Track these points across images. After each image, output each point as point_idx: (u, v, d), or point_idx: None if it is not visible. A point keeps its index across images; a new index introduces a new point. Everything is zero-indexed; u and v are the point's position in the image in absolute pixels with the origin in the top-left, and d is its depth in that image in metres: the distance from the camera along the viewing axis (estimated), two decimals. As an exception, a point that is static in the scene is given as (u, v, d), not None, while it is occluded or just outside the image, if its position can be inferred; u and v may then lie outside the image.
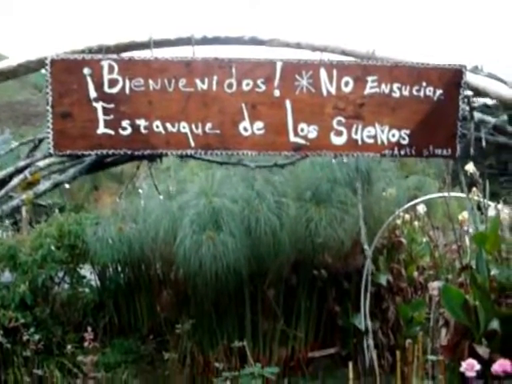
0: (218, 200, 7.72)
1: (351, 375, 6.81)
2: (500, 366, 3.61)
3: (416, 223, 11.53)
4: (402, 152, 5.63)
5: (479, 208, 7.25)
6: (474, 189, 7.08)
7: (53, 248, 9.53)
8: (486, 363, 5.10)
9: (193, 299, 9.14)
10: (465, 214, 7.65)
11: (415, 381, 4.15)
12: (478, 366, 3.75)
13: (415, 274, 10.08)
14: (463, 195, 8.47)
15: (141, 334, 10.29)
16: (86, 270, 10.68)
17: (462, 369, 3.81)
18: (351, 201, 8.15)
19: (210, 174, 8.27)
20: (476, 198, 6.86)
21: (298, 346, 9.31)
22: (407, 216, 11.43)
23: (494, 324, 5.70)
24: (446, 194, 7.76)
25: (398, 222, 10.15)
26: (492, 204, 7.07)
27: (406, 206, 9.52)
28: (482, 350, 5.43)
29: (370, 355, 8.61)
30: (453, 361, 6.06)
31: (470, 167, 6.75)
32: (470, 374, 3.70)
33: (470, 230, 7.24)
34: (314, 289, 9.56)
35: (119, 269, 10.69)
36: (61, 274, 10.25)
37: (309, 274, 9.44)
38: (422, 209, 10.30)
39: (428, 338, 8.97)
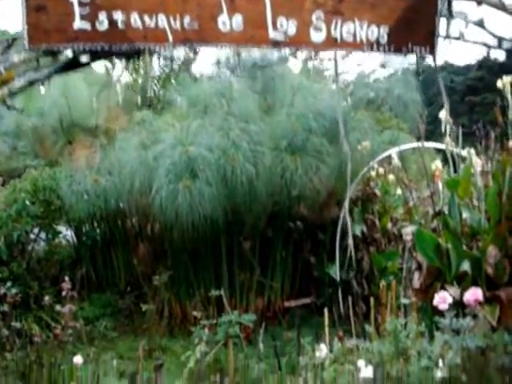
0: (193, 149, 7.65)
1: (327, 322, 6.92)
2: (472, 294, 3.69)
3: (390, 176, 11.61)
4: (381, 49, 5.58)
5: (452, 158, 7.30)
6: (448, 138, 7.10)
7: (28, 203, 9.41)
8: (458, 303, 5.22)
9: (169, 251, 9.16)
10: (438, 163, 7.68)
11: (388, 323, 4.21)
12: (450, 299, 3.82)
13: (389, 225, 10.18)
14: (437, 144, 8.56)
15: (118, 287, 10.31)
16: (62, 227, 10.60)
17: (434, 302, 3.88)
18: (327, 150, 8.16)
19: (185, 124, 8.17)
20: (449, 147, 6.89)
21: (274, 297, 9.44)
22: (381, 170, 11.52)
23: (465, 266, 5.81)
24: (420, 144, 7.79)
25: (373, 174, 10.20)
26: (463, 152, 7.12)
27: (381, 157, 9.57)
28: (453, 291, 5.53)
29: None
30: (425, 302, 6.19)
31: (444, 114, 6.77)
32: (443, 306, 3.78)
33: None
34: (290, 240, 9.65)
35: (95, 223, 10.64)
36: (36, 231, 10.16)
37: (285, 225, 9.51)
38: (396, 162, 10.36)
39: (401, 287, 9.17)
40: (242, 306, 8.90)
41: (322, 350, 4.42)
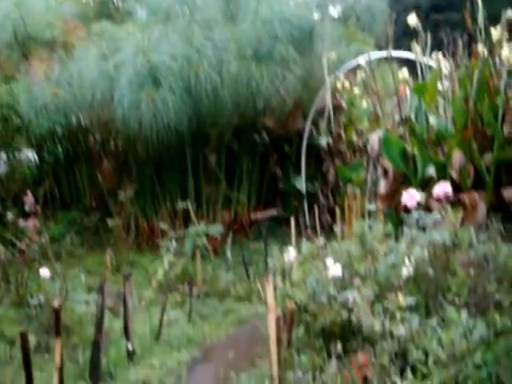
0: (155, 57, 7.33)
1: (293, 231, 6.97)
2: (441, 188, 3.68)
3: (356, 89, 11.49)
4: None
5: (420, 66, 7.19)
6: (416, 43, 6.95)
7: (-16, 122, 9.04)
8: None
9: (134, 165, 8.99)
10: (404, 72, 7.57)
11: (355, 226, 4.20)
12: (418, 196, 3.81)
13: (354, 136, 10.16)
14: (404, 53, 8.40)
15: (84, 205, 10.15)
16: (26, 149, 10.27)
17: (402, 200, 3.87)
18: (293, 59, 7.93)
19: (146, 33, 7.78)
20: (417, 50, 6.75)
21: (240, 209, 9.43)
22: (347, 83, 11.37)
23: (431, 170, 5.84)
24: (387, 53, 7.63)
25: (339, 86, 10.05)
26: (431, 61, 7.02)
27: (349, 65, 9.39)
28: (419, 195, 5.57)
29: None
30: (390, 208, 6.25)
31: (412, 19, 6.59)
32: (411, 202, 3.77)
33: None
34: (256, 153, 9.56)
35: (57, 141, 10.31)
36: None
37: (250, 138, 9.38)
38: (362, 74, 10.21)
39: (365, 197, 9.26)
40: (209, 219, 8.88)
41: (290, 253, 4.41)
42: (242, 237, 9.25)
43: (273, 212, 9.52)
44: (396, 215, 5.96)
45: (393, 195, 6.09)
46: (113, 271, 7.99)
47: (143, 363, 5.09)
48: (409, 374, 2.74)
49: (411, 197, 3.73)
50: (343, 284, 3.79)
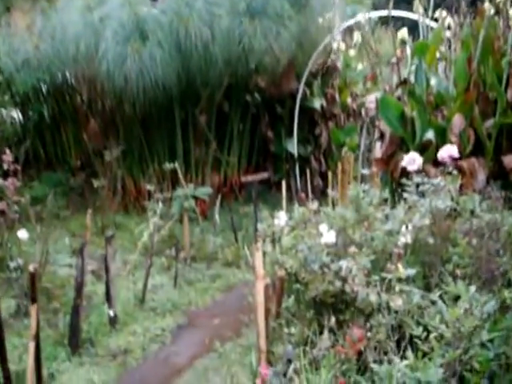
0: (143, 9, 6.93)
1: (284, 195, 6.71)
2: (447, 151, 3.41)
3: (351, 51, 11.12)
4: None
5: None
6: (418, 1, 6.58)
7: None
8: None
9: (121, 125, 8.63)
10: (404, 32, 7.21)
11: (351, 189, 3.93)
12: (419, 160, 3.54)
13: (348, 100, 9.84)
14: (405, 13, 8.02)
15: (69, 166, 9.83)
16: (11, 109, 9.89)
17: (403, 163, 3.60)
18: (288, 15, 7.52)
19: (134, -17, 7.35)
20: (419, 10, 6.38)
21: (230, 172, 9.14)
22: (343, 45, 11.01)
23: (430, 134, 5.54)
24: (387, 12, 7.24)
25: (335, 46, 9.67)
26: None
27: (344, 25, 9.01)
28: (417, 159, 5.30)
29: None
30: (385, 172, 5.98)
31: (415, -26, 6.20)
32: (412, 167, 3.50)
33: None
34: (247, 114, 9.21)
35: (42, 98, 9.92)
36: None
37: (242, 98, 9.02)
38: (357, 37, 9.83)
39: (359, 163, 8.99)
40: (198, 181, 8.58)
41: (281, 217, 4.14)
42: (231, 200, 8.98)
43: (264, 175, 9.23)
44: (392, 180, 5.70)
45: (389, 159, 5.81)
46: (98, 233, 7.74)
47: (126, 330, 4.87)
48: (409, 352, 2.50)
49: (412, 161, 3.46)
50: (337, 252, 3.55)
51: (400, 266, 2.89)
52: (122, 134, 8.66)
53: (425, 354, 2.42)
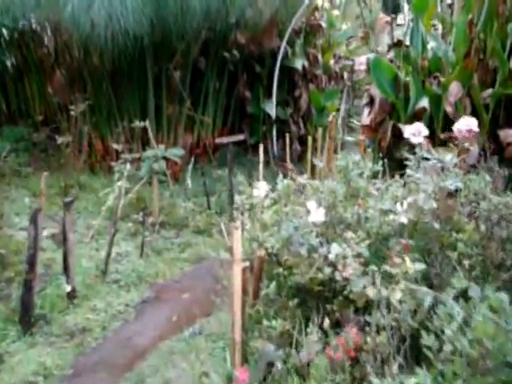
0: None
1: (262, 159, 6.22)
2: (464, 123, 2.93)
3: (335, 11, 10.56)
4: None
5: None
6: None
7: None
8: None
9: (89, 78, 7.92)
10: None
11: (340, 159, 3.43)
12: (425, 132, 3.06)
13: (331, 62, 9.29)
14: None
15: (33, 120, 9.13)
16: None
17: (406, 134, 3.11)
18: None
19: None
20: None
21: (204, 132, 8.57)
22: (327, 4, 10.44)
23: (424, 102, 5.09)
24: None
25: (319, 2, 9.07)
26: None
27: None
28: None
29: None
30: (373, 141, 5.52)
31: None
32: (417, 139, 3.02)
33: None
34: (224, 72, 8.59)
35: (4, 47, 9.13)
36: None
37: (219, 55, 8.38)
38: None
39: (340, 129, 8.50)
40: (170, 142, 8.00)
41: (262, 189, 3.63)
42: (204, 163, 8.43)
43: (240, 137, 8.70)
44: (379, 150, 5.24)
45: (377, 127, 5.35)
46: (61, 194, 7.16)
47: (85, 305, 4.37)
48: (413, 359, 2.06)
49: (417, 132, 2.97)
50: (326, 232, 3.08)
51: (407, 259, 2.43)
52: (90, 88, 7.97)
53: (441, 373, 1.96)
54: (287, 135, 7.42)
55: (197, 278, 5.10)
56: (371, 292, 2.50)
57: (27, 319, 3.95)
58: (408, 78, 5.10)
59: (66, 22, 6.09)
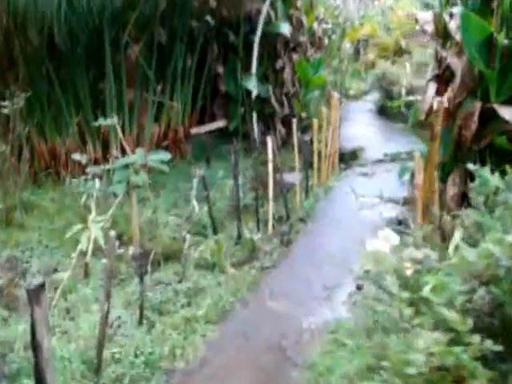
0: None
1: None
2: None
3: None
4: None
5: None
6: None
7: None
8: None
9: (23, 61, 5.75)
10: None
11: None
12: None
13: (315, 25, 7.52)
14: None
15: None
16: None
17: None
18: None
19: None
20: None
21: (174, 120, 6.65)
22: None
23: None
24: None
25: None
26: None
27: None
28: None
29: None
30: (449, 130, 3.88)
31: None
32: None
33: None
34: (194, 46, 6.64)
35: None
36: None
37: (185, 24, 6.41)
38: None
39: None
40: (132, 134, 6.07)
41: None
42: (176, 157, 6.51)
43: (219, 124, 6.84)
44: (459, 143, 3.63)
45: (455, 110, 3.70)
46: (2, 221, 5.12)
47: None
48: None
49: None
50: None
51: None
52: (25, 74, 5.82)
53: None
54: (270, 117, 5.69)
55: (229, 349, 3.34)
56: None
57: None
58: (506, 42, 3.44)
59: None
